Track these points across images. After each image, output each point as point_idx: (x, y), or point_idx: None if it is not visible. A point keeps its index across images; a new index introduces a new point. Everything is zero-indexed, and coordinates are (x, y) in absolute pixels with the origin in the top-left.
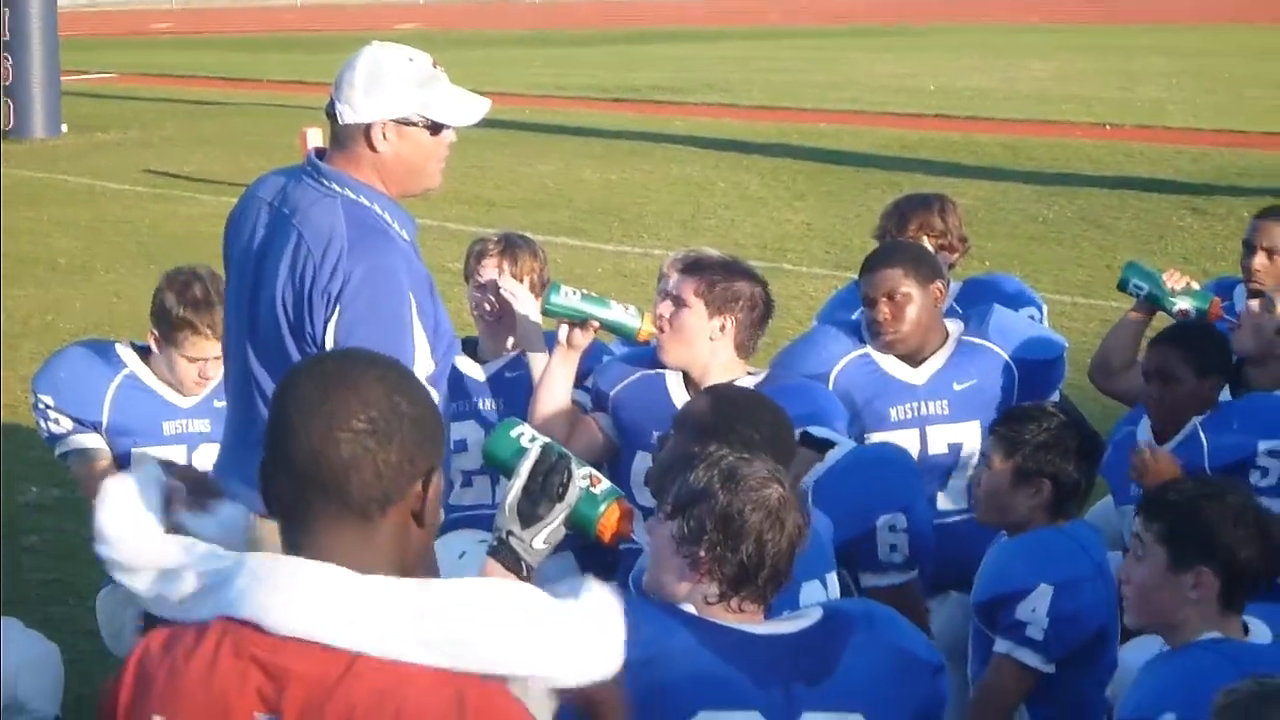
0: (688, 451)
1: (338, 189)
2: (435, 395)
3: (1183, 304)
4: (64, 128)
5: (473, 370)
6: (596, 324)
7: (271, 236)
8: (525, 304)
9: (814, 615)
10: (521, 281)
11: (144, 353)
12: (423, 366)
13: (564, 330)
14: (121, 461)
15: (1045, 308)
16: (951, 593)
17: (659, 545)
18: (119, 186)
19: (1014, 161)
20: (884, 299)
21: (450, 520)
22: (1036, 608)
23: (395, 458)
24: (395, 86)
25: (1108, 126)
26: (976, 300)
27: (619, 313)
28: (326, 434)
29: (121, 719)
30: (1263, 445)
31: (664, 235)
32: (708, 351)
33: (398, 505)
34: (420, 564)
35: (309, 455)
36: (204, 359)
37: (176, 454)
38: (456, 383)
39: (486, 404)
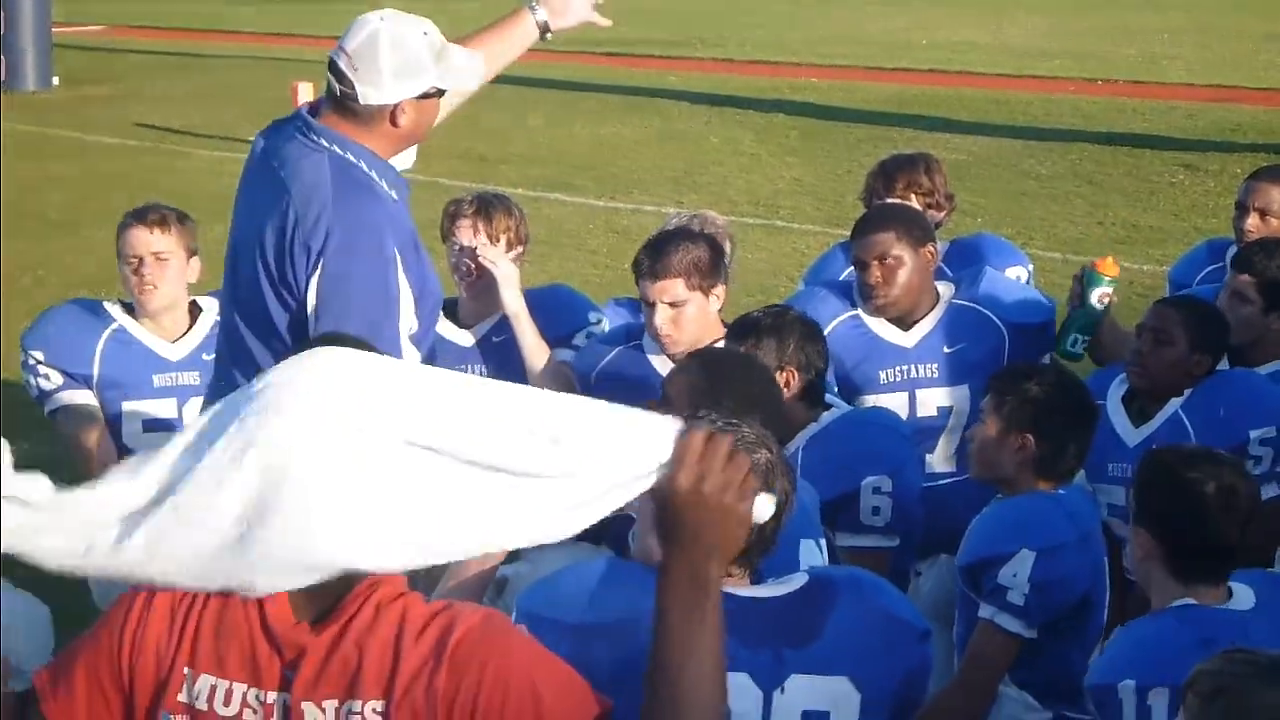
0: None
1: (326, 145)
2: (418, 355)
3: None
4: (55, 81)
5: (458, 336)
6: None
7: (260, 190)
8: (505, 271)
9: (800, 580)
10: (498, 241)
11: (132, 310)
12: (406, 324)
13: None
14: (112, 418)
15: (1032, 266)
16: (942, 555)
17: (645, 512)
18: (110, 140)
19: (1006, 117)
20: (876, 262)
21: None
22: (1018, 573)
23: None
24: (419, 65)
25: (1100, 81)
26: (966, 261)
27: None
28: None
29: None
30: (1254, 433)
31: (656, 191)
32: (709, 325)
33: None
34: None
35: None
36: (138, 256)
37: (166, 407)
38: (442, 349)
39: (475, 370)
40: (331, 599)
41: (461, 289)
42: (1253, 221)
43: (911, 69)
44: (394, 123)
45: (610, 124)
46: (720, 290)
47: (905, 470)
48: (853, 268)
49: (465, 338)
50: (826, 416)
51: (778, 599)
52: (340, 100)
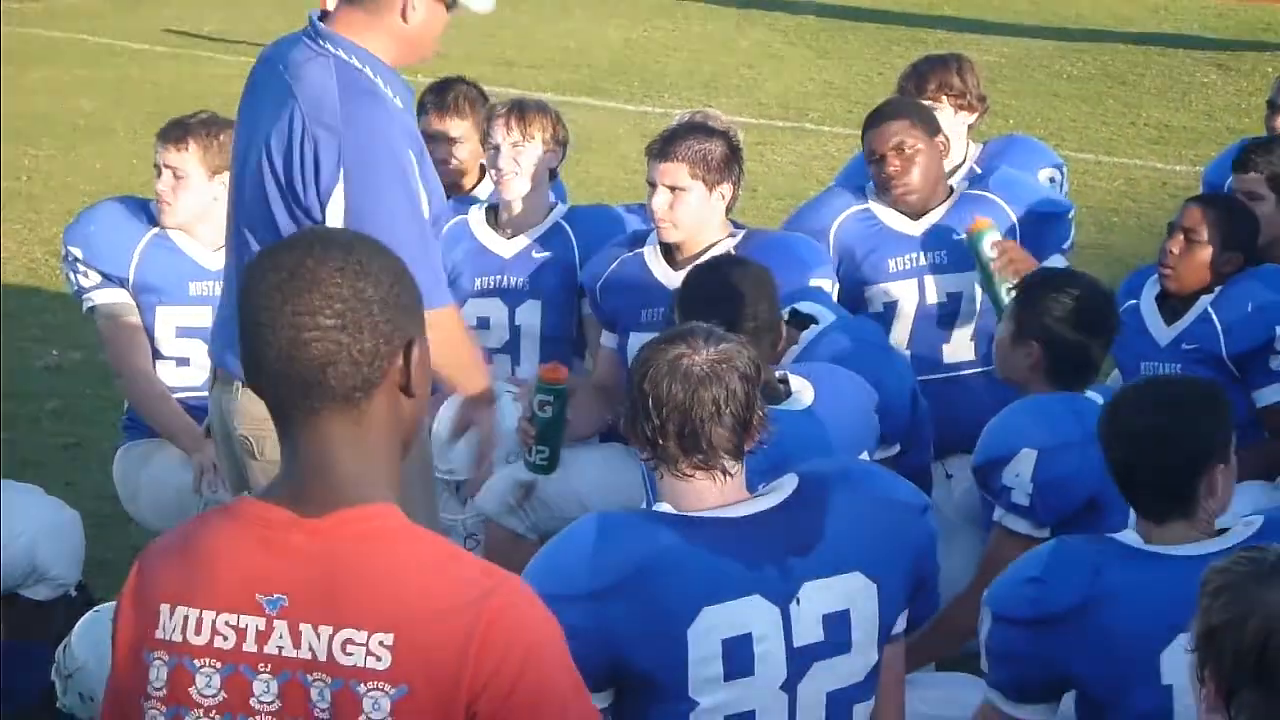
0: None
1: (331, 49)
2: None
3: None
4: None
5: (497, 245)
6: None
7: (264, 97)
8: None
9: (790, 485)
10: (533, 139)
11: None
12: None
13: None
14: (146, 322)
15: (1066, 167)
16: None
17: None
18: (139, 46)
19: (1038, 18)
20: (893, 153)
21: None
22: (1020, 472)
23: (369, 344)
24: None
25: None
26: (998, 161)
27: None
28: (294, 337)
29: None
30: None
31: (686, 95)
32: (709, 225)
33: (382, 385)
34: (414, 431)
35: (280, 358)
36: (158, 168)
37: (201, 315)
38: (479, 256)
39: (511, 280)
40: None
41: (500, 191)
42: None
43: None
44: (404, 17)
45: (639, 28)
46: (726, 190)
47: (885, 381)
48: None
49: (506, 247)
50: (806, 335)
51: (771, 510)
52: None
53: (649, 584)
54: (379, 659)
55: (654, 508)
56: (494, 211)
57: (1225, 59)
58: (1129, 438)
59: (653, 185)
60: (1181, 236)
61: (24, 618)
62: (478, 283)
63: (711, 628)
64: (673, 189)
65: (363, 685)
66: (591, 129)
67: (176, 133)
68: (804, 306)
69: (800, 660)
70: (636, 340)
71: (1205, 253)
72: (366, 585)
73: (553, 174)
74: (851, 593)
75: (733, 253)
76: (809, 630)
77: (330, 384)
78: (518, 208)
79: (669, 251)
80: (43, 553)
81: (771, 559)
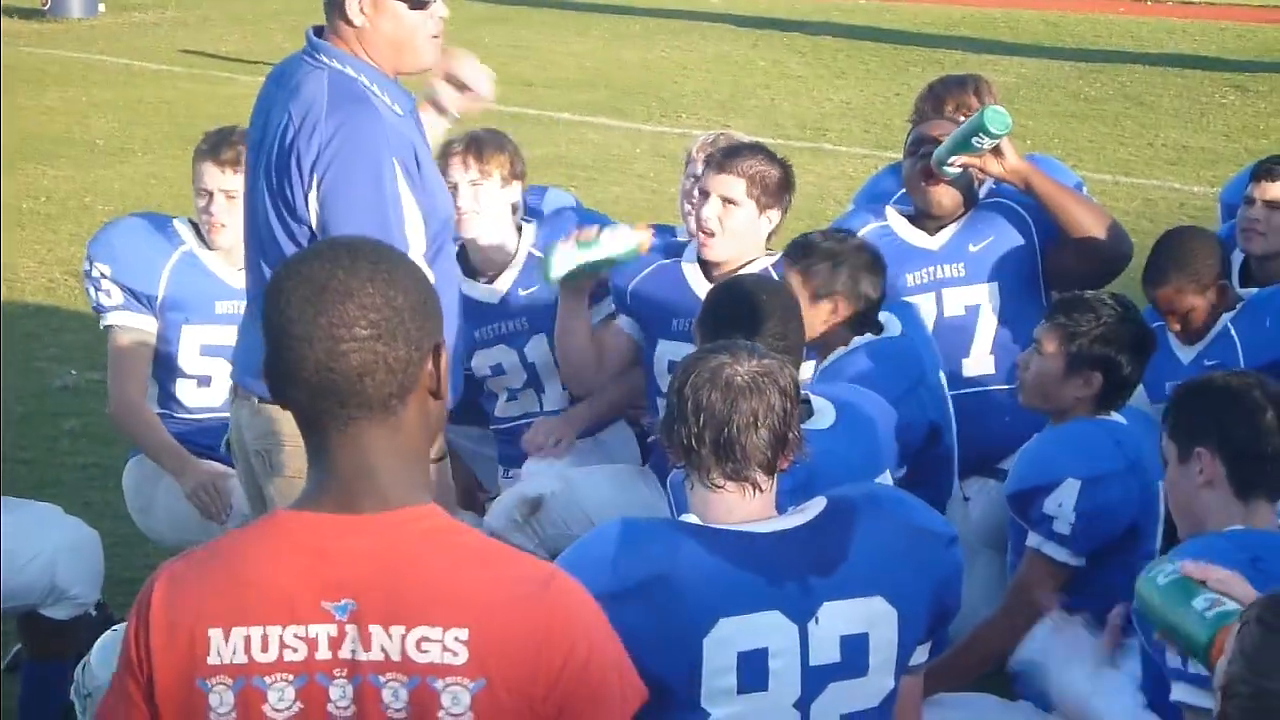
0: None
1: (326, 61)
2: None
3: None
4: (101, 7)
5: (481, 293)
6: (605, 272)
7: (270, 116)
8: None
9: (819, 506)
10: (491, 176)
11: (199, 231)
12: (414, 239)
13: (566, 293)
14: (171, 340)
15: (1085, 187)
16: (990, 481)
17: None
18: (156, 67)
19: (1055, 39)
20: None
21: (500, 431)
22: (1063, 502)
23: (403, 351)
24: None
25: (1149, 2)
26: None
27: (617, 243)
28: (332, 348)
29: None
30: None
31: (703, 115)
32: (752, 246)
33: (414, 391)
34: (440, 430)
35: (318, 370)
36: (209, 191)
37: (226, 334)
38: (474, 310)
39: (509, 325)
40: None
41: (460, 230)
42: None
43: None
44: (347, 20)
45: (657, 48)
46: (775, 215)
47: (915, 390)
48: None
49: (491, 294)
50: (857, 340)
51: (797, 529)
52: (326, 5)
53: (668, 590)
54: (455, 654)
55: (680, 518)
56: (464, 253)
57: (1243, 80)
58: None
59: (705, 194)
60: (1169, 314)
61: (44, 637)
62: (477, 334)
63: (728, 639)
64: (725, 201)
65: (440, 681)
66: (609, 149)
67: (227, 154)
68: (884, 315)
69: (816, 679)
70: (665, 348)
71: (1196, 311)
72: (433, 582)
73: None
74: (872, 616)
75: (770, 270)
76: (826, 650)
77: (369, 393)
78: (484, 244)
79: (706, 266)
80: (62, 572)
81: (793, 576)
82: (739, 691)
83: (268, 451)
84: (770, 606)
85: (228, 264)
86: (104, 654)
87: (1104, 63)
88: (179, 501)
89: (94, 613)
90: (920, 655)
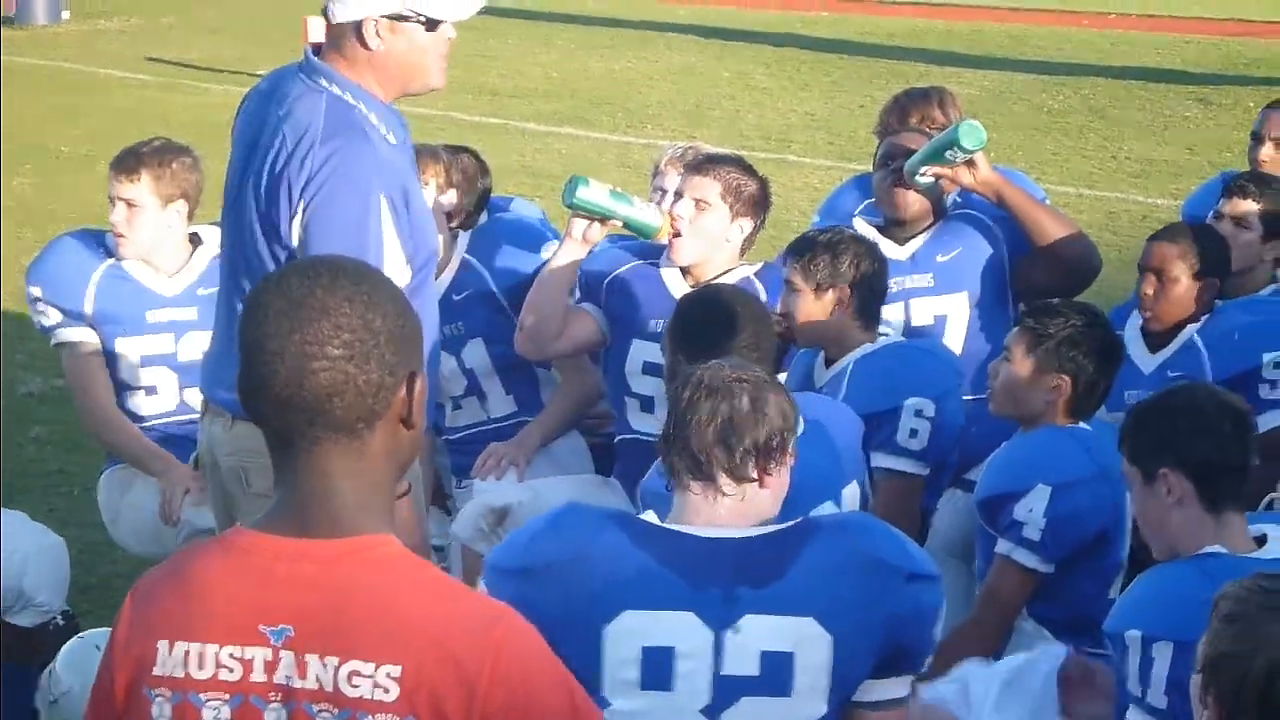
0: (674, 363)
1: (325, 84)
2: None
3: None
4: (66, 14)
5: None
6: (620, 222)
7: (261, 132)
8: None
9: (790, 523)
10: (426, 185)
11: None
12: (395, 271)
13: (579, 225)
14: (108, 353)
15: (1049, 200)
16: (956, 491)
17: None
18: (122, 74)
19: (1019, 52)
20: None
21: (451, 442)
22: (1033, 508)
23: (375, 375)
24: None
25: (1113, 15)
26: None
27: (642, 211)
28: (302, 365)
29: None
30: (1268, 357)
31: (668, 125)
32: (721, 252)
33: (385, 417)
34: (411, 462)
35: (287, 385)
36: (111, 200)
37: (163, 343)
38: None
39: (445, 330)
40: None
41: None
42: (1267, 152)
43: (925, 3)
44: (364, 44)
45: (623, 58)
46: (747, 225)
47: (949, 399)
48: (867, 200)
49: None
50: (884, 339)
51: (746, 540)
52: (328, 30)
53: (576, 574)
54: (386, 690)
55: (634, 514)
56: None
57: (1207, 93)
58: None
59: (679, 194)
60: (1153, 276)
61: (9, 643)
62: None
63: (632, 631)
64: (698, 202)
65: (370, 717)
66: (575, 158)
67: (129, 163)
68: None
69: (728, 689)
70: (640, 348)
71: (1179, 287)
72: (372, 616)
73: (459, 214)
74: (801, 638)
75: (751, 280)
76: (743, 662)
77: (335, 414)
78: None
79: (686, 272)
80: (29, 579)
81: (718, 582)
82: (642, 687)
83: (244, 469)
84: (685, 608)
85: (156, 273)
86: (70, 660)
87: (1067, 75)
88: (141, 513)
89: (61, 621)
90: (887, 690)
